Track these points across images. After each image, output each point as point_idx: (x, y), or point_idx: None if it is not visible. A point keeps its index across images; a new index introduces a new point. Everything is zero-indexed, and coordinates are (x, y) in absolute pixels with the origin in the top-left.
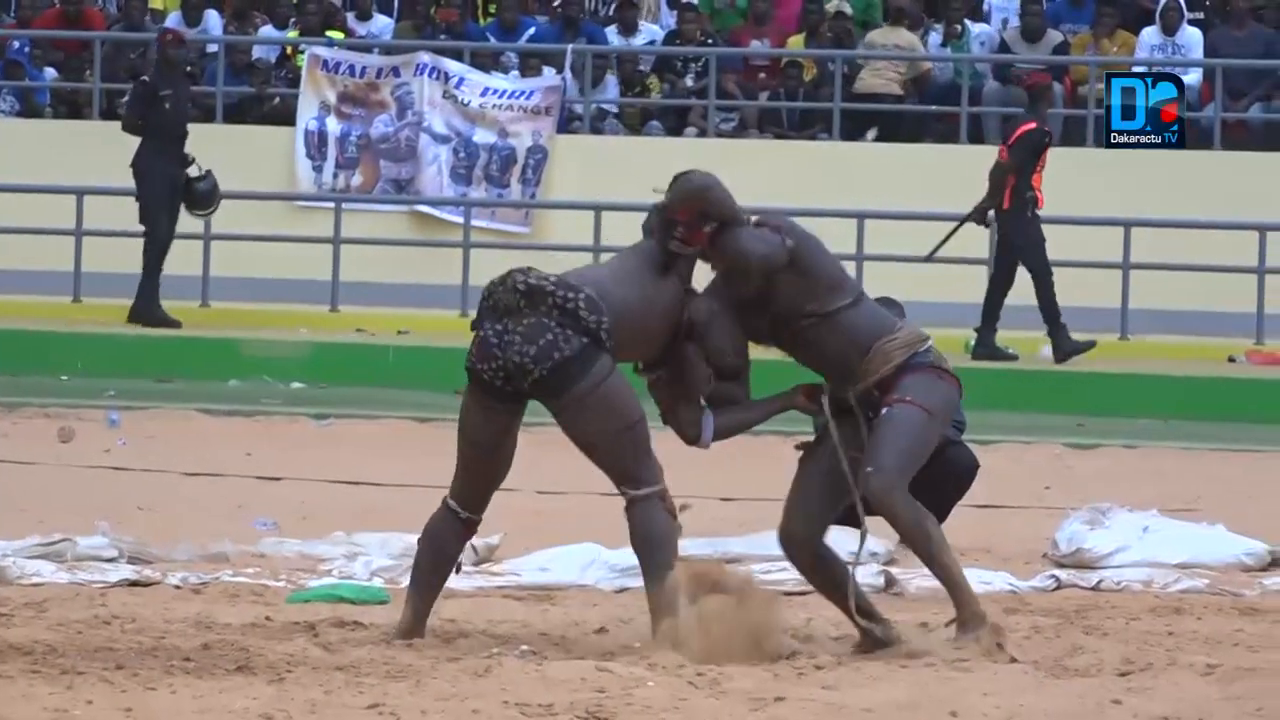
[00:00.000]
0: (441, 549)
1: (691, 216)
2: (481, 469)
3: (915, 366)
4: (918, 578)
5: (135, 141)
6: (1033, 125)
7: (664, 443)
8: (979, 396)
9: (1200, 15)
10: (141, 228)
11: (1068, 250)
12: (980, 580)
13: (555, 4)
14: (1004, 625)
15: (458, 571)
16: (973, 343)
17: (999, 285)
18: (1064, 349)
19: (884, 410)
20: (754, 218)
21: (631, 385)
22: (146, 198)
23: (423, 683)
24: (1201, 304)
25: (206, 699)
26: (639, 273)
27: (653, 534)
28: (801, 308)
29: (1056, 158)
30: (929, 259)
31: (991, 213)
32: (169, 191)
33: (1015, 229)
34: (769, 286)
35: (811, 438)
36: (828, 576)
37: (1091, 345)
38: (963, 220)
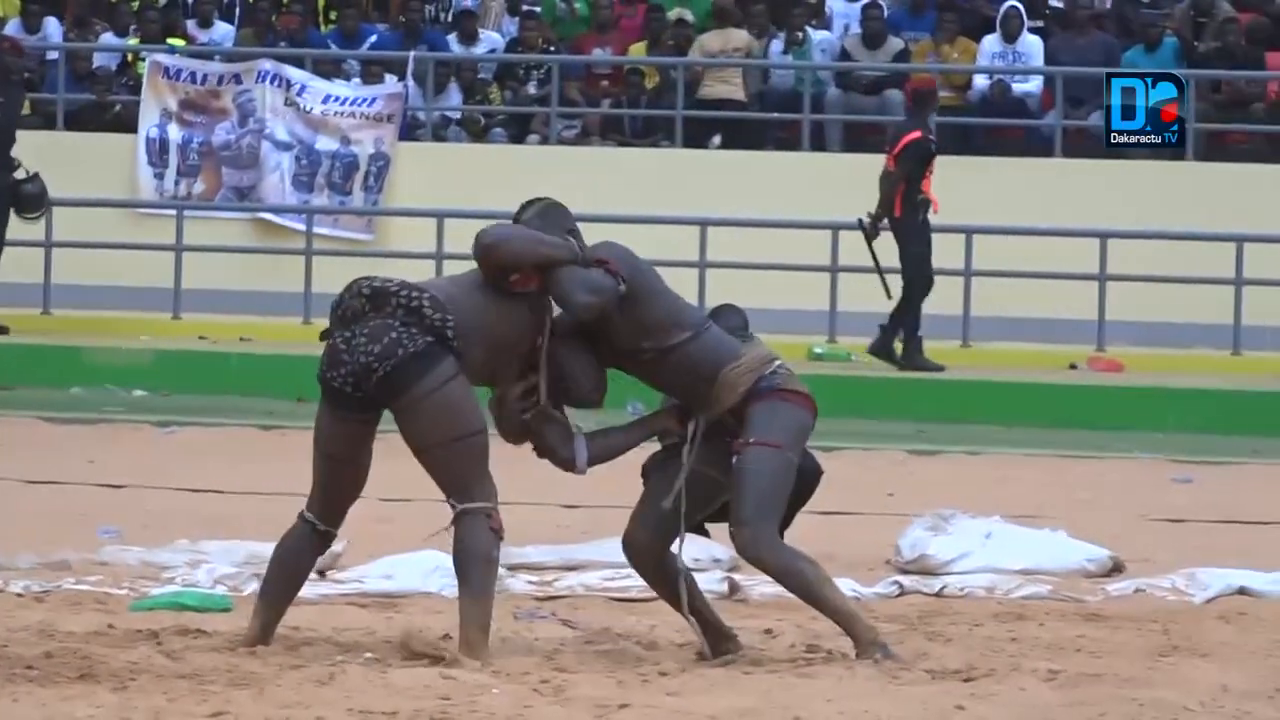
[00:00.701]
0: (296, 563)
1: (492, 271)
2: (338, 481)
3: (762, 393)
4: (761, 584)
5: None
6: (918, 134)
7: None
8: (822, 403)
9: (1040, 23)
10: None
11: None
12: None
13: (401, 16)
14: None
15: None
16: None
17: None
18: (914, 362)
19: (734, 459)
20: (595, 253)
21: (475, 397)
22: None
23: (266, 691)
24: (1043, 311)
25: (50, 707)
26: (485, 284)
27: (474, 550)
28: (638, 344)
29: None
30: (889, 292)
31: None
32: None
33: (909, 236)
34: (602, 323)
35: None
36: (670, 584)
37: (941, 369)
38: (867, 237)
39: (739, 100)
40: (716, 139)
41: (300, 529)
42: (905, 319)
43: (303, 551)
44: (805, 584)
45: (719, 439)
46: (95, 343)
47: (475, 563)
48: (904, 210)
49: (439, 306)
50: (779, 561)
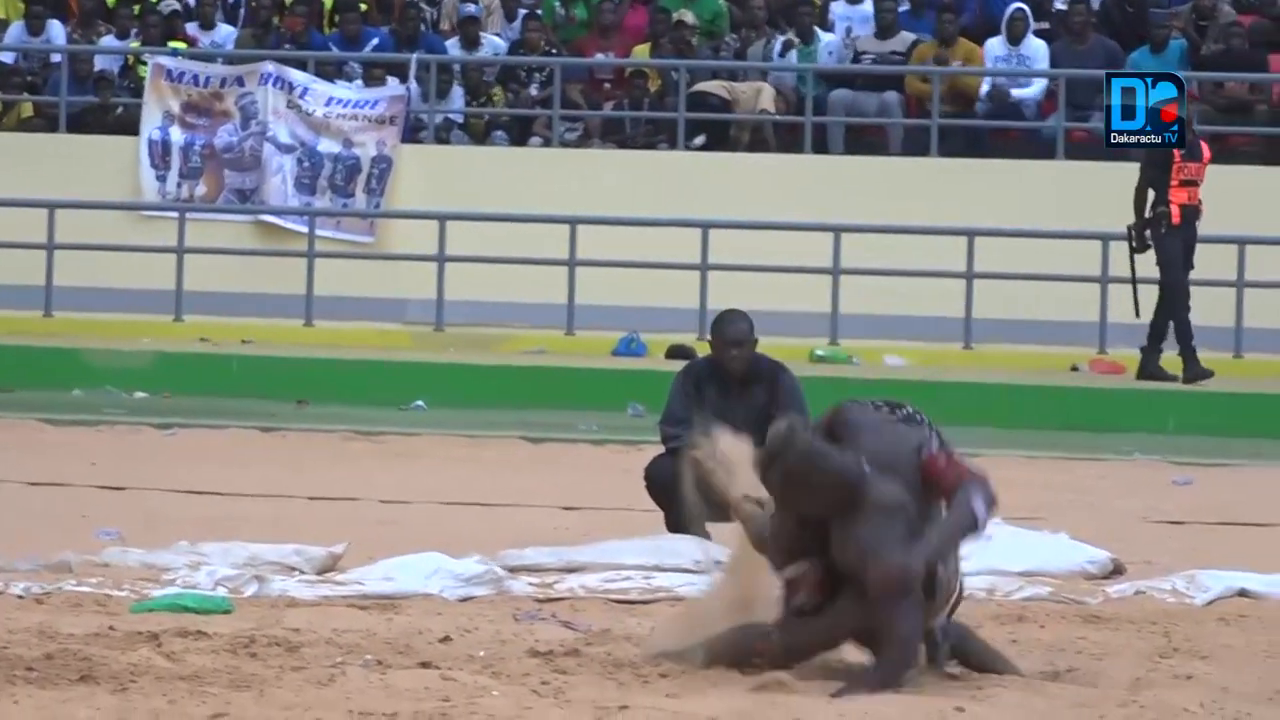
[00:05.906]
0: None
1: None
2: None
3: None
4: None
5: None
6: None
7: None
8: (821, 407)
9: (1045, 26)
10: None
11: (911, 259)
12: None
13: (396, 23)
14: None
15: None
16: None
17: (1162, 304)
18: (1148, 369)
19: None
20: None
21: None
22: None
23: (266, 692)
24: (1045, 313)
25: (50, 709)
26: None
27: None
28: None
29: (896, 167)
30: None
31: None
32: None
33: (1155, 245)
34: None
35: None
36: None
37: (1174, 379)
38: (1130, 248)
39: (722, 96)
40: (700, 138)
41: None
42: (1154, 326)
43: None
44: None
45: None
46: (96, 345)
47: None
48: (1150, 219)
49: None
50: None
